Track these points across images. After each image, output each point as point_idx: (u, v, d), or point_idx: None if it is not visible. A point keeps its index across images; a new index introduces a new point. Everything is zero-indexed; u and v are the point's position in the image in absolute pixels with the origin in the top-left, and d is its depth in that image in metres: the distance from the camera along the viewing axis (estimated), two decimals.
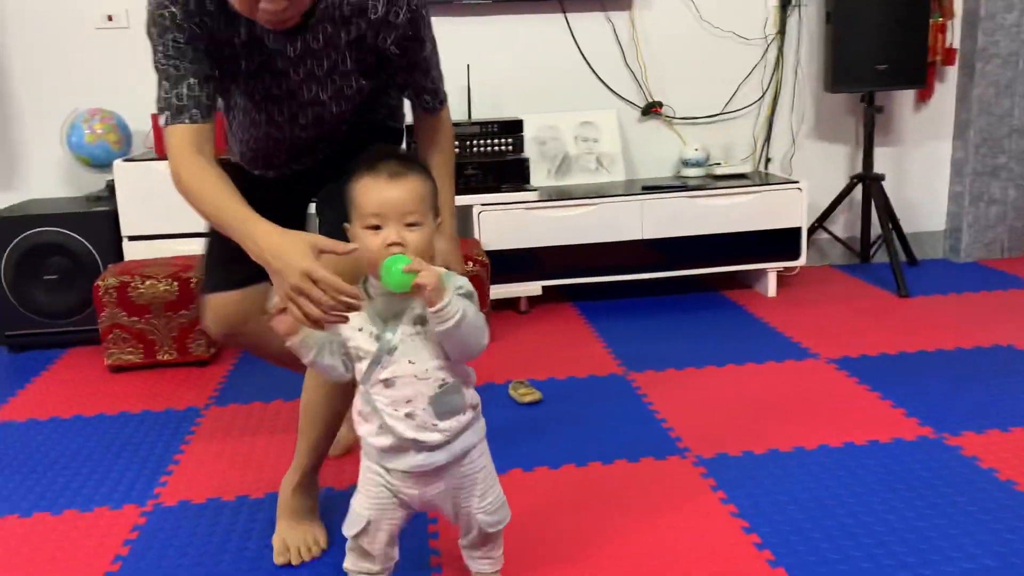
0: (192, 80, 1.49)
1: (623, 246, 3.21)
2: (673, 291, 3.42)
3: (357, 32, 1.55)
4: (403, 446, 1.33)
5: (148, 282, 2.73)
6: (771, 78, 3.59)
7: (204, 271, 1.81)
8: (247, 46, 1.55)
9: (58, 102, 3.17)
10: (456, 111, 3.35)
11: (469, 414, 1.38)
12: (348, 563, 1.45)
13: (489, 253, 3.02)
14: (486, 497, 1.42)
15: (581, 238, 3.17)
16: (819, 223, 3.61)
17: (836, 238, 3.69)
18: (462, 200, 3.09)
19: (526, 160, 3.17)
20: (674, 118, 3.57)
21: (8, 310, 2.94)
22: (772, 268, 3.33)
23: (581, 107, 3.48)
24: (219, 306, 1.78)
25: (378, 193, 1.27)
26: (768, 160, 3.65)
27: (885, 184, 3.49)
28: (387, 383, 1.31)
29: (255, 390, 2.55)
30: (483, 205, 3.09)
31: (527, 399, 2.39)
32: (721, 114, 3.59)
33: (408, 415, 1.31)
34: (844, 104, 3.65)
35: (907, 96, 3.70)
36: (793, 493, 1.85)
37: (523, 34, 3.43)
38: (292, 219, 1.71)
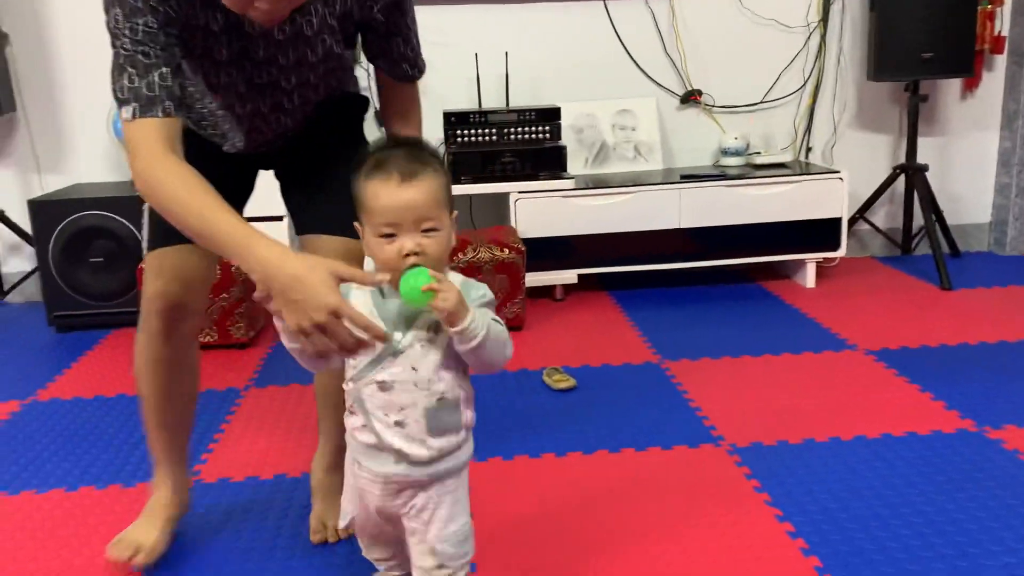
0: (164, 69, 1.33)
1: (660, 235, 3.19)
2: (710, 281, 3.40)
3: (343, 8, 1.46)
4: (383, 449, 1.23)
5: None
6: (813, 66, 3.54)
7: (150, 228, 1.56)
8: (226, 32, 1.41)
9: (104, 90, 3.23)
10: (494, 98, 3.39)
11: (462, 434, 1.26)
12: (364, 551, 1.42)
13: (525, 241, 3.03)
14: (452, 524, 1.26)
15: (618, 227, 3.16)
16: (860, 214, 3.56)
17: (877, 229, 3.63)
18: (499, 188, 3.11)
19: (563, 148, 3.17)
20: (713, 107, 3.54)
21: (55, 292, 3.01)
22: (811, 259, 3.29)
23: (619, 95, 3.47)
24: (175, 259, 1.51)
25: (391, 198, 1.15)
26: (809, 149, 3.61)
27: (929, 175, 3.43)
28: (382, 386, 1.20)
29: (293, 372, 2.59)
30: (520, 193, 3.09)
31: (561, 386, 2.40)
32: (761, 103, 3.55)
33: (398, 423, 1.21)
34: (887, 93, 3.60)
35: (953, 85, 3.62)
36: (828, 483, 1.84)
37: (562, 21, 3.42)
38: (241, 189, 1.70)
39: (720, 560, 1.58)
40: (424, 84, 3.58)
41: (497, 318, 1.22)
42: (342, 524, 1.38)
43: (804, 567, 1.54)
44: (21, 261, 3.42)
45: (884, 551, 1.58)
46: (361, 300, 1.21)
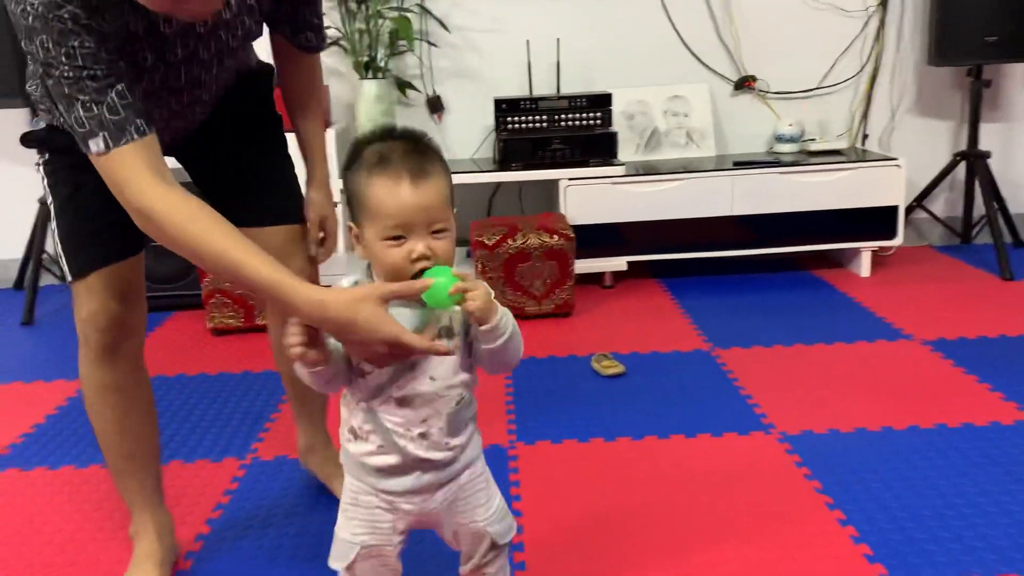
0: (120, 86, 1.19)
1: (712, 222, 3.17)
2: (762, 269, 3.37)
3: None
4: (408, 467, 1.16)
5: None
6: (871, 51, 3.47)
7: (70, 254, 1.41)
8: (148, 35, 1.26)
9: None
10: (545, 85, 3.39)
11: (472, 425, 1.22)
12: None
13: (575, 227, 3.03)
14: (491, 505, 1.25)
15: (668, 213, 3.15)
16: (918, 202, 3.49)
17: (936, 218, 3.55)
18: (549, 174, 3.12)
19: (614, 134, 3.16)
20: (768, 93, 3.50)
21: None
22: (867, 247, 3.24)
23: (671, 81, 3.45)
24: (105, 278, 1.40)
25: (400, 200, 1.07)
26: (865, 136, 3.54)
27: (991, 162, 3.34)
28: (402, 401, 1.14)
29: None
30: (570, 180, 3.10)
31: (610, 372, 2.41)
32: (817, 88, 3.50)
33: (422, 435, 1.15)
34: (948, 78, 3.51)
35: (1018, 69, 3.52)
36: (880, 472, 1.82)
37: (614, 7, 3.41)
38: None
39: (769, 547, 1.58)
40: (475, 71, 3.62)
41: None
42: (343, 564, 1.21)
43: (854, 555, 1.54)
44: None
45: (936, 541, 1.57)
46: None
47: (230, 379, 2.50)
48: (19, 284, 3.42)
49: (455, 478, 1.21)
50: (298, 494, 1.84)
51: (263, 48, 1.55)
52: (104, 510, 1.79)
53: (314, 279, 1.67)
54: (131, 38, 1.23)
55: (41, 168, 1.44)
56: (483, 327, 1.10)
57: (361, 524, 1.20)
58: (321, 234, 1.64)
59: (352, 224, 1.14)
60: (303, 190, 1.64)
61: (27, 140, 1.44)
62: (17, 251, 3.38)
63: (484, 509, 1.24)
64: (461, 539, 1.25)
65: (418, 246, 1.08)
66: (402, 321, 1.09)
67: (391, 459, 1.15)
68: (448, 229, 1.11)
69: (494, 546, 1.25)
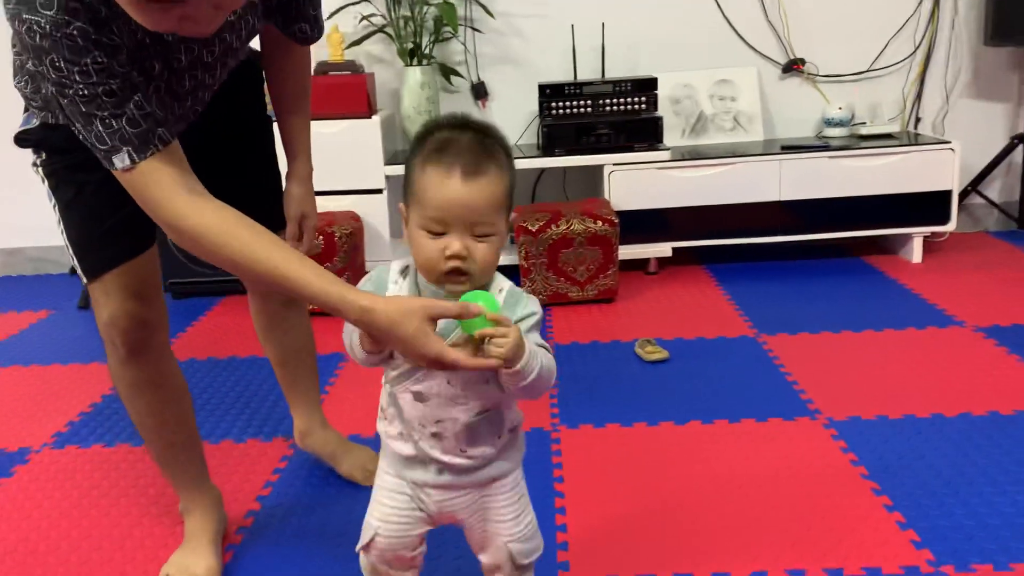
0: (137, 97, 1.16)
1: (759, 208, 3.14)
2: (810, 255, 3.33)
3: None
4: (424, 461, 1.15)
5: None
6: (924, 32, 3.39)
7: (81, 257, 1.41)
8: (155, 44, 1.25)
9: None
10: (589, 70, 3.38)
11: (506, 437, 1.17)
12: None
13: (619, 213, 3.02)
14: (520, 522, 1.20)
15: (715, 199, 3.12)
16: (972, 187, 3.41)
17: (991, 202, 3.47)
18: (594, 160, 3.11)
19: (659, 119, 3.14)
20: (817, 76, 3.44)
21: (171, 260, 3.17)
22: (918, 233, 3.18)
23: (718, 64, 3.41)
24: (122, 278, 1.39)
25: (445, 193, 1.04)
26: (918, 120, 3.47)
27: None
28: (418, 396, 1.12)
29: None
30: (614, 165, 3.09)
31: (653, 357, 2.40)
32: (868, 71, 3.43)
33: (434, 435, 1.13)
34: (1006, 58, 3.41)
35: None
36: (929, 459, 1.79)
37: None
38: None
39: (813, 532, 1.56)
40: (520, 56, 3.61)
41: (544, 343, 1.11)
42: (362, 543, 1.22)
43: (901, 540, 1.52)
44: None
45: (985, 528, 1.54)
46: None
47: None
48: (75, 270, 3.52)
49: (482, 487, 1.17)
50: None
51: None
52: (157, 485, 1.85)
53: None
54: (139, 46, 1.21)
55: (40, 169, 1.39)
56: (505, 370, 1.05)
57: (384, 509, 1.20)
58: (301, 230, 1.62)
59: (402, 205, 1.13)
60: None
61: (21, 140, 1.38)
62: None
63: (512, 524, 1.20)
64: (487, 549, 1.22)
65: (454, 244, 1.04)
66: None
67: (408, 448, 1.15)
68: (494, 234, 1.07)
69: (516, 566, 1.22)
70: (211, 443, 2.05)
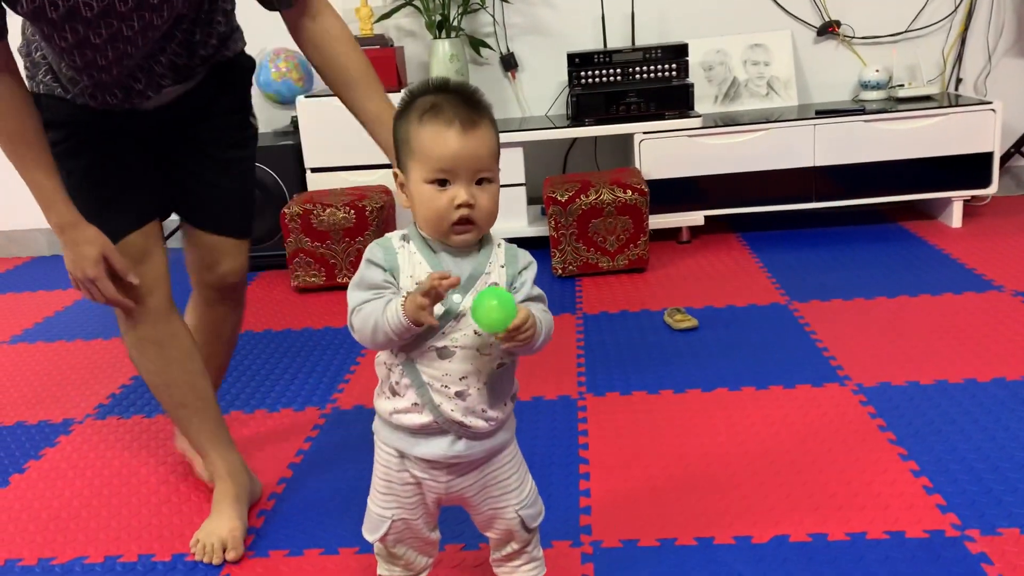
0: None
1: (793, 174, 3.09)
2: (846, 222, 3.27)
3: None
4: (440, 428, 1.15)
5: (328, 210, 2.93)
6: None
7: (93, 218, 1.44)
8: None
9: (249, 43, 3.41)
10: (619, 38, 3.35)
11: (510, 404, 1.20)
12: (381, 570, 1.30)
13: (650, 182, 3.00)
14: (524, 489, 1.24)
15: (747, 166, 3.08)
16: (1016, 148, 3.32)
17: None
18: (624, 128, 3.09)
19: (690, 86, 3.10)
20: (853, 38, 3.36)
21: None
22: (958, 197, 3.11)
23: (751, 29, 3.35)
24: (123, 248, 1.47)
25: (449, 144, 1.08)
26: (959, 81, 3.38)
27: None
28: (442, 353, 1.12)
29: None
30: (644, 133, 3.06)
31: (682, 326, 2.40)
32: (906, 32, 3.34)
33: (459, 394, 1.13)
34: None
35: None
36: (959, 424, 1.77)
37: None
38: (151, 173, 1.57)
39: (837, 496, 1.56)
40: (549, 26, 3.59)
41: (540, 292, 1.17)
42: (376, 536, 1.23)
43: (927, 504, 1.51)
44: None
45: (1014, 492, 1.52)
46: (415, 260, 1.13)
47: (313, 334, 2.60)
48: None
49: (487, 461, 1.20)
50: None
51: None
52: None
53: (242, 299, 1.77)
54: None
55: None
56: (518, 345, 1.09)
57: (390, 498, 1.21)
58: None
59: (398, 171, 1.15)
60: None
61: None
62: None
63: (518, 492, 1.23)
64: (495, 524, 1.24)
65: (461, 193, 1.09)
66: (459, 267, 1.12)
67: (424, 418, 1.14)
68: (493, 180, 1.12)
69: (527, 530, 1.25)
70: (245, 412, 2.10)
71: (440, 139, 1.08)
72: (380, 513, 1.22)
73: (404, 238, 1.15)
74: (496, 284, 1.13)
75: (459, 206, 1.09)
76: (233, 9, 1.56)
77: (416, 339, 1.12)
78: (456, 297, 1.11)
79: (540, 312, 1.13)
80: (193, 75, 1.50)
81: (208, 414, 1.62)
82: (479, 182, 1.10)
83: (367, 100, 1.45)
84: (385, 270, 1.13)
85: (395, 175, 1.16)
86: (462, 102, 1.10)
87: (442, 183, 1.09)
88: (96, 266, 1.40)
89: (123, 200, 1.49)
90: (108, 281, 1.43)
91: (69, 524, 1.67)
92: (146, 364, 1.57)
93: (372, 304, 1.11)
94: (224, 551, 1.51)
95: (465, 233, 1.11)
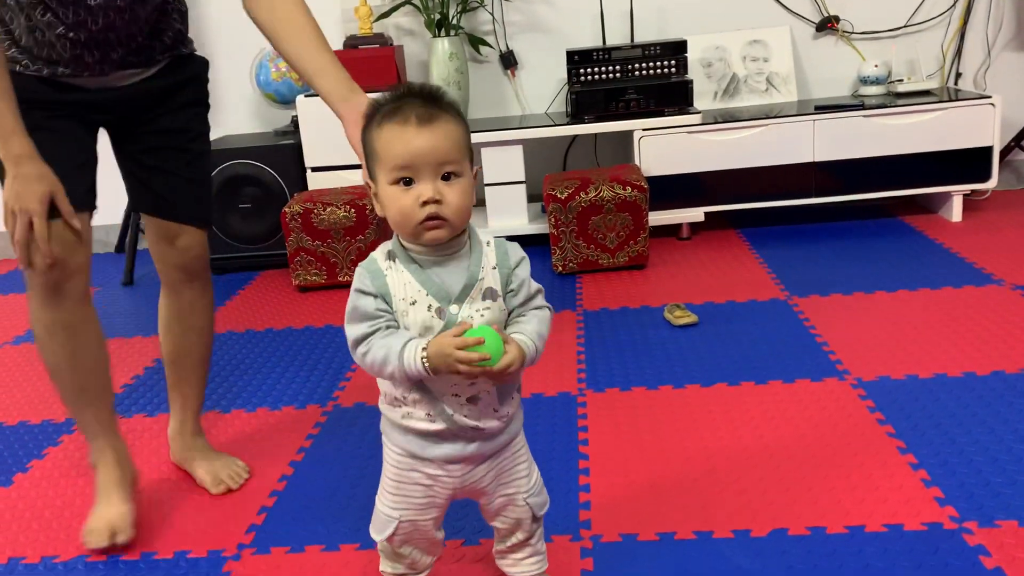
0: None
1: (793, 169, 3.10)
2: (847, 217, 3.28)
3: None
4: (453, 434, 1.15)
5: (328, 209, 2.94)
6: None
7: None
8: None
9: (248, 42, 3.42)
10: (619, 35, 3.35)
11: (517, 397, 1.21)
12: (384, 567, 1.31)
13: (650, 179, 3.01)
14: (531, 478, 1.25)
15: (747, 162, 3.08)
16: (1016, 142, 3.32)
17: None
18: (623, 125, 3.09)
19: (689, 82, 3.11)
20: (852, 33, 3.37)
21: (209, 236, 3.23)
22: (958, 191, 3.11)
23: (750, 25, 3.36)
24: (52, 230, 1.44)
25: (407, 142, 1.07)
26: (959, 75, 3.38)
27: None
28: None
29: None
30: (644, 130, 3.07)
31: (682, 321, 2.40)
32: (905, 26, 3.34)
33: (471, 399, 1.13)
34: None
35: None
36: (958, 417, 1.77)
37: None
38: (88, 150, 1.56)
39: (835, 488, 1.56)
40: (548, 23, 3.59)
41: (538, 286, 1.17)
42: (383, 535, 1.24)
43: (924, 497, 1.51)
44: None
45: (1013, 485, 1.52)
46: (403, 279, 1.12)
47: (314, 332, 2.61)
48: (120, 248, 3.62)
49: (500, 451, 1.20)
50: (377, 438, 1.89)
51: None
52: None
53: (208, 283, 1.77)
54: None
55: None
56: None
57: (400, 499, 1.21)
58: None
59: (370, 182, 1.14)
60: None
61: None
62: (118, 217, 3.56)
63: (526, 481, 1.24)
64: (506, 512, 1.25)
65: (426, 190, 1.07)
66: (439, 287, 1.11)
67: (437, 426, 1.14)
68: (460, 175, 1.09)
69: (534, 519, 1.27)
70: (248, 411, 2.11)
71: (397, 137, 1.07)
72: (388, 513, 1.23)
73: (390, 256, 1.14)
74: (491, 288, 1.12)
75: (425, 203, 1.07)
76: (187, 12, 1.64)
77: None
78: (453, 308, 1.11)
79: (537, 330, 1.13)
80: (153, 62, 1.56)
81: (105, 401, 1.64)
82: (446, 177, 1.08)
83: (314, 51, 1.45)
84: (375, 296, 1.11)
85: (367, 186, 1.15)
86: (421, 101, 1.09)
87: (407, 183, 1.08)
88: (41, 203, 1.39)
89: (66, 184, 1.46)
90: (45, 220, 1.40)
91: (72, 522, 1.68)
92: (54, 347, 1.55)
93: (381, 340, 1.10)
94: (114, 535, 1.54)
95: (436, 230, 1.09)
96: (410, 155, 1.07)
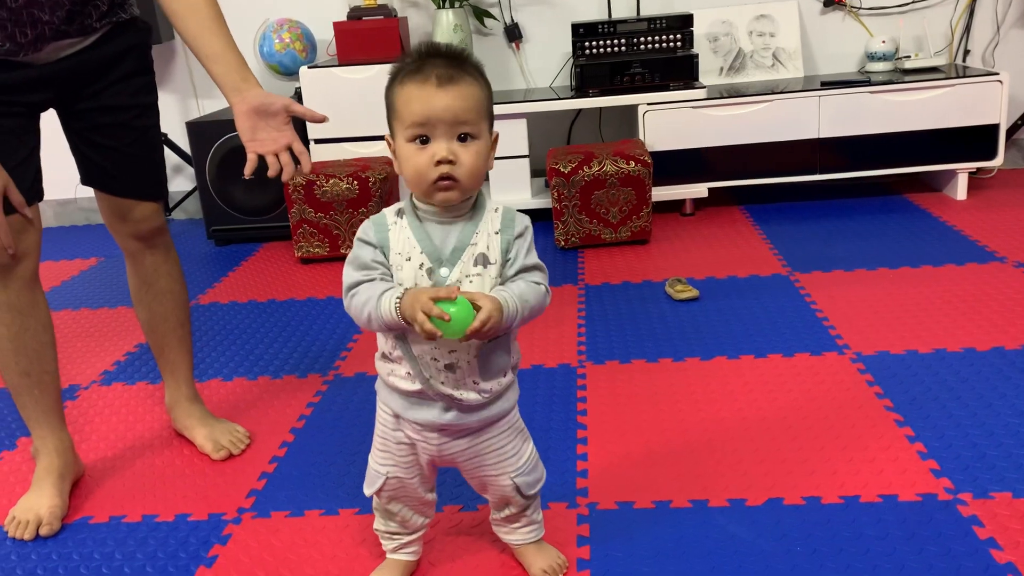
0: None
1: (797, 145, 3.08)
2: (851, 194, 3.27)
3: None
4: (431, 398, 1.16)
5: (331, 181, 2.94)
6: None
7: None
8: None
9: (251, 14, 3.40)
10: (624, 7, 3.32)
11: (509, 375, 1.20)
12: (377, 524, 1.33)
13: (654, 154, 3.00)
14: (522, 455, 1.25)
15: (752, 137, 3.07)
16: (1023, 120, 3.29)
17: None
18: (628, 99, 3.08)
19: (695, 56, 3.09)
20: (860, 9, 3.33)
21: (213, 208, 3.26)
22: (963, 169, 3.09)
23: None
24: (20, 218, 1.47)
25: (425, 100, 1.06)
26: (967, 52, 3.35)
27: None
28: None
29: None
30: (648, 105, 3.05)
31: (683, 296, 2.40)
32: (914, 2, 3.31)
33: (448, 367, 1.13)
34: None
35: None
36: (957, 392, 1.78)
37: None
38: (31, 133, 1.53)
39: (832, 460, 1.57)
40: None
41: (539, 263, 1.16)
42: (372, 489, 1.27)
43: (920, 469, 1.52)
44: (183, 181, 3.71)
45: (1008, 458, 1.53)
46: (404, 235, 1.12)
47: (316, 303, 2.62)
48: None
49: (482, 429, 1.20)
50: (375, 407, 1.92)
51: None
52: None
53: (169, 245, 1.74)
54: None
55: None
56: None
57: (386, 455, 1.24)
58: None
59: (389, 138, 1.14)
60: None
61: None
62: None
63: (515, 460, 1.24)
64: (491, 490, 1.27)
65: (441, 149, 1.07)
66: (434, 246, 1.11)
67: (416, 386, 1.15)
68: (476, 136, 1.09)
69: (523, 496, 1.26)
70: (249, 379, 2.12)
71: (416, 95, 1.07)
72: (377, 469, 1.26)
73: (399, 212, 1.15)
74: (484, 255, 1.12)
75: (439, 163, 1.07)
76: None
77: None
78: (443, 271, 1.11)
79: (523, 293, 1.11)
80: (89, 30, 1.49)
81: (49, 388, 1.61)
82: (462, 139, 1.08)
83: (208, 35, 1.46)
84: (375, 247, 1.13)
85: (388, 143, 1.15)
86: (444, 61, 1.09)
87: (423, 141, 1.08)
88: None
89: (15, 176, 1.45)
90: (3, 214, 1.41)
91: (75, 487, 1.70)
92: (1, 330, 1.53)
93: (365, 289, 1.12)
94: (39, 527, 1.54)
95: (447, 191, 1.09)
96: (427, 114, 1.07)
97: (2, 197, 1.42)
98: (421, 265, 1.12)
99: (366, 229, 1.15)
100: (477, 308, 1.06)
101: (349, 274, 1.14)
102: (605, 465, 1.62)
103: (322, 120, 1.50)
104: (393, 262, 1.13)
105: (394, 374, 1.17)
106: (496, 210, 1.16)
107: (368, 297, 1.11)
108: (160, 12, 3.36)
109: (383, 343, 1.18)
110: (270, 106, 1.46)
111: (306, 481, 1.65)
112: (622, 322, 2.29)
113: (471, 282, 1.12)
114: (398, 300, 1.08)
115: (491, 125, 1.13)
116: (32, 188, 1.51)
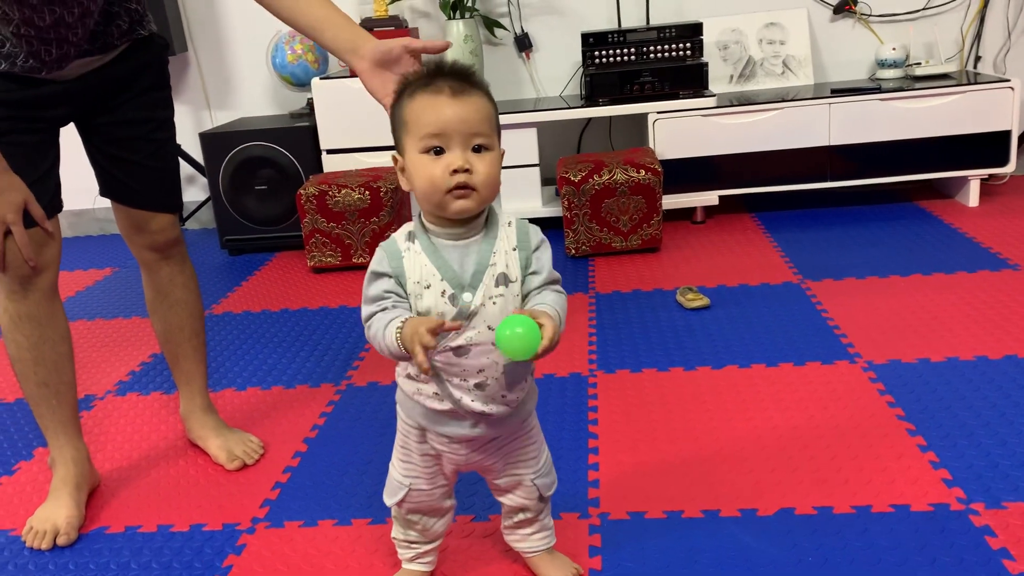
0: None
1: (808, 153, 3.08)
2: (862, 201, 3.26)
3: None
4: (461, 415, 1.17)
5: (343, 191, 2.96)
6: None
7: None
8: None
9: (264, 25, 3.43)
10: (634, 17, 3.34)
11: (530, 380, 1.22)
12: (395, 532, 1.34)
13: (664, 162, 3.00)
14: (539, 459, 1.27)
15: (762, 145, 3.07)
16: None
17: None
18: (638, 108, 3.09)
19: (704, 65, 3.09)
20: (870, 16, 3.34)
21: (226, 218, 3.28)
22: (975, 175, 3.08)
23: (767, 7, 3.33)
24: (42, 232, 1.51)
25: (439, 110, 1.07)
26: (978, 59, 3.34)
27: None
28: (459, 351, 1.12)
29: None
30: (658, 113, 3.06)
31: (694, 304, 2.41)
32: (924, 9, 3.31)
33: (478, 385, 1.14)
34: None
35: None
36: (969, 401, 1.77)
37: None
38: (52, 150, 1.55)
39: (843, 469, 1.57)
40: (563, 5, 3.58)
41: (555, 275, 1.16)
42: (394, 500, 1.28)
43: (932, 479, 1.52)
44: (197, 191, 3.74)
45: (1022, 467, 1.53)
46: (420, 262, 1.12)
47: (329, 313, 2.63)
48: None
49: (509, 435, 1.22)
50: (389, 416, 1.93)
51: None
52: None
53: (185, 257, 1.77)
54: None
55: None
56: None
57: (409, 467, 1.25)
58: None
59: (397, 156, 1.14)
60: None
61: None
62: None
63: (534, 462, 1.26)
64: (513, 491, 1.27)
65: (457, 158, 1.07)
66: (455, 273, 1.11)
67: (445, 405, 1.16)
68: (490, 148, 1.10)
69: (541, 499, 1.29)
70: (263, 389, 2.14)
71: (429, 106, 1.08)
72: (400, 480, 1.27)
73: (410, 236, 1.14)
74: (504, 274, 1.12)
75: (455, 171, 1.07)
76: None
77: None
78: (467, 296, 1.11)
79: (558, 305, 1.12)
80: (110, 47, 1.52)
81: (66, 399, 1.63)
82: (477, 150, 1.09)
83: (308, 3, 1.42)
84: (390, 277, 1.13)
85: (394, 160, 1.15)
86: (454, 77, 1.10)
87: (437, 152, 1.08)
88: (17, 212, 1.44)
89: (36, 190, 1.48)
90: (23, 228, 1.46)
91: (91, 497, 1.71)
92: (19, 339, 1.56)
93: (377, 319, 1.12)
94: (56, 537, 1.55)
95: (464, 199, 1.09)
96: (442, 124, 1.07)
97: (23, 211, 1.45)
98: (443, 292, 1.11)
99: (380, 260, 1.14)
100: (539, 326, 1.06)
101: (364, 309, 1.15)
102: (617, 475, 1.62)
103: (445, 47, 1.43)
104: (411, 291, 1.12)
105: (421, 393, 1.18)
106: (509, 224, 1.16)
107: (377, 329, 1.11)
108: (174, 25, 3.41)
109: (408, 366, 1.18)
110: (389, 53, 1.39)
111: (319, 491, 1.66)
112: (633, 331, 2.29)
113: (494, 303, 1.12)
114: (398, 331, 1.08)
115: (500, 140, 1.14)
116: (52, 202, 1.53)
